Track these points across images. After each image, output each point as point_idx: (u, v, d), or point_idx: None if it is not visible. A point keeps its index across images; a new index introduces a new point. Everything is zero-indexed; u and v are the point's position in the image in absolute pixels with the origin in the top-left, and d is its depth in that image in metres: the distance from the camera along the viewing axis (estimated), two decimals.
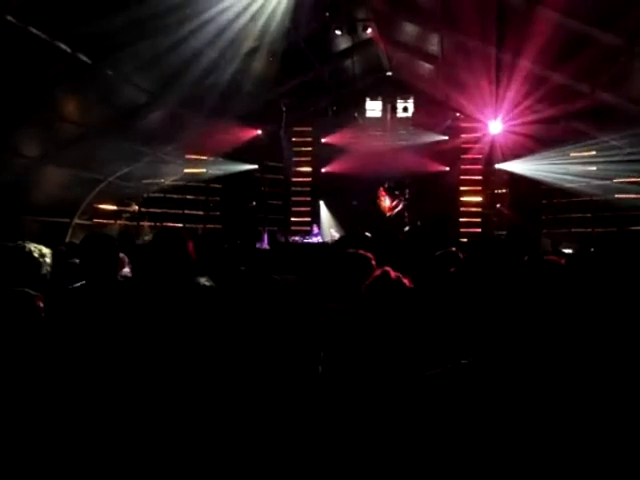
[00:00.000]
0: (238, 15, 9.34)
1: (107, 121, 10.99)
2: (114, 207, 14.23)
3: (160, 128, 12.35)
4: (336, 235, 14.98)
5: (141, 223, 15.04)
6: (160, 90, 10.88)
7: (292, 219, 17.21)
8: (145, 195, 15.06)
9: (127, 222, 14.65)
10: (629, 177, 12.65)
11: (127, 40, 8.48)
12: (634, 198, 12.56)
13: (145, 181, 14.73)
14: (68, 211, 12.49)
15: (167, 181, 15.36)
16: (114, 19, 7.52)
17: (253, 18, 9.69)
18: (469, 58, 11.78)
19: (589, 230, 14.18)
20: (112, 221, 14.17)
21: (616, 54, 8.99)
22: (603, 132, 12.20)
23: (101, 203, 13.49)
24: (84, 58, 8.72)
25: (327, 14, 11.94)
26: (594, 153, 13.59)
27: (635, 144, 11.18)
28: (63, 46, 8.27)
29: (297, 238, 15.55)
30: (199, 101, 11.24)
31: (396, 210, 15.72)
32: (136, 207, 14.93)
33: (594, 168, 13.74)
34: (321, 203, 16.71)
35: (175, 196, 15.52)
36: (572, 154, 14.07)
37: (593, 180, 13.56)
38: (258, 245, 14.03)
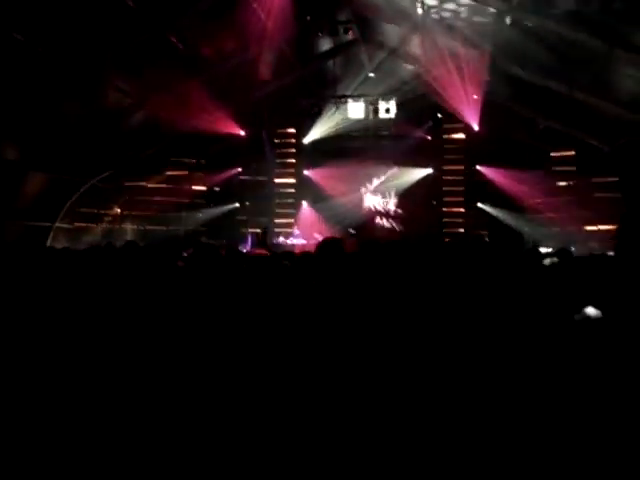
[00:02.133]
0: None
1: (89, 124, 10.91)
2: (95, 210, 14.08)
3: (143, 130, 12.27)
4: (320, 238, 14.93)
5: (123, 226, 14.93)
6: (144, 92, 10.83)
7: (276, 221, 17.18)
8: (127, 198, 14.95)
9: (109, 225, 14.52)
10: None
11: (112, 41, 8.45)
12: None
13: (127, 183, 14.63)
14: (49, 215, 12.37)
15: (150, 183, 15.27)
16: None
17: None
18: (450, 59, 11.93)
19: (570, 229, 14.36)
20: (93, 224, 14.04)
21: None
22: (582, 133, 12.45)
23: (82, 206, 13.33)
24: (64, 59, 8.67)
25: (308, 17, 11.99)
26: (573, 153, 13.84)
27: None
28: (42, 48, 8.22)
29: (281, 239, 15.55)
30: (185, 103, 11.20)
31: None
32: (118, 210, 14.81)
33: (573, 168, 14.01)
34: (303, 204, 16.69)
35: (158, 198, 15.42)
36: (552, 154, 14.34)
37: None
38: (242, 247, 14.02)
